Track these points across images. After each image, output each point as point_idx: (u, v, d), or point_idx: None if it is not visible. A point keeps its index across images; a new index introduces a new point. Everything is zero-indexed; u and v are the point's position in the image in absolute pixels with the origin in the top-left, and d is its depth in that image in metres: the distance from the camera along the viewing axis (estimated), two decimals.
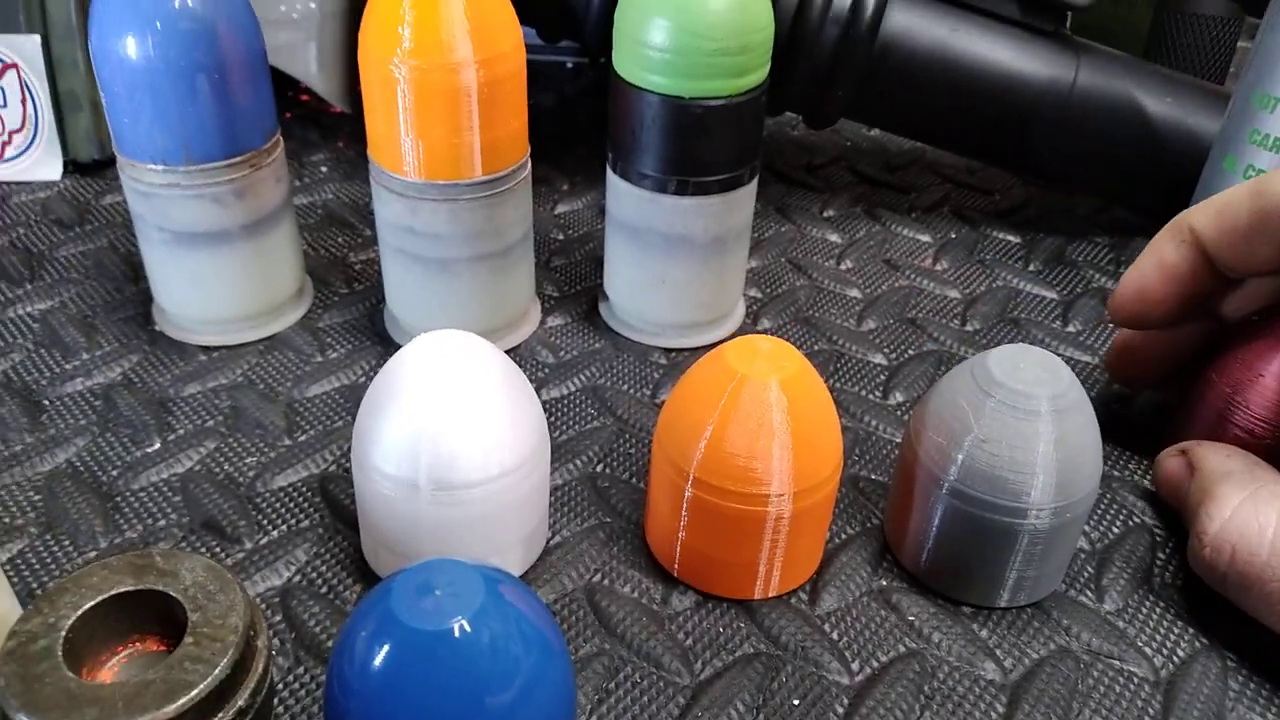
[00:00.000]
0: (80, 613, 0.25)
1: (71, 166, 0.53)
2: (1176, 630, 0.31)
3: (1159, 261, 0.34)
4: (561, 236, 0.50)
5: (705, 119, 0.37)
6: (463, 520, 0.30)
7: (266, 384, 0.40)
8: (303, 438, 0.37)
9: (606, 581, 0.32)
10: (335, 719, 0.23)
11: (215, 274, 0.40)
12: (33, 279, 0.45)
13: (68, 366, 0.40)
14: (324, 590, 0.32)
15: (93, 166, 0.54)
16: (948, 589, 0.32)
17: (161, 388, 0.39)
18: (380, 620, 0.23)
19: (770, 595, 0.32)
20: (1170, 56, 0.61)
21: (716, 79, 0.37)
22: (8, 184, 0.52)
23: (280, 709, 0.28)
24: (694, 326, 0.42)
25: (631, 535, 0.34)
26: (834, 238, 0.50)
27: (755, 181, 0.40)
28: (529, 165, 0.39)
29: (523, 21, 0.37)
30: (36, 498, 0.35)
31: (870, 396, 0.40)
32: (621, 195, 0.40)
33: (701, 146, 0.38)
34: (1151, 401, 0.41)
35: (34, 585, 0.31)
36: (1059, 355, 0.37)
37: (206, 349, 0.41)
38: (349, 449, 0.36)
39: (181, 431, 0.37)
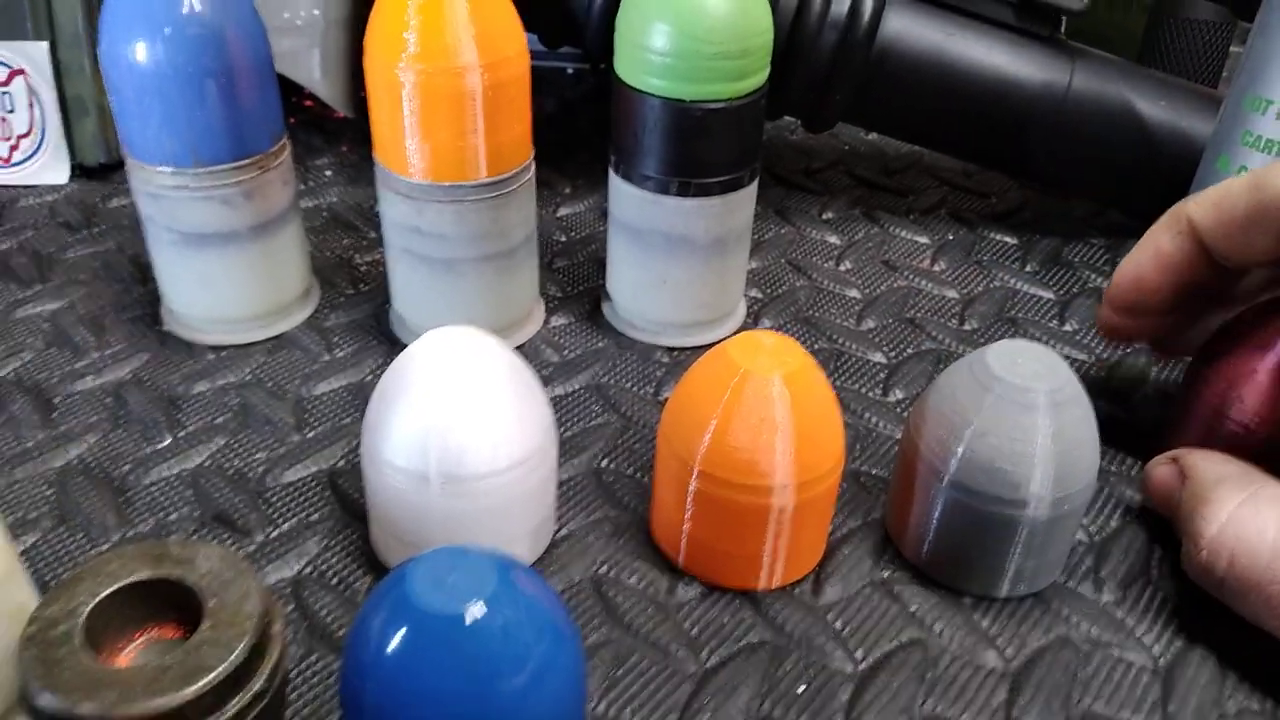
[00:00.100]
0: (98, 600, 0.25)
1: (78, 171, 0.54)
2: (1175, 620, 0.32)
3: (1155, 251, 0.35)
4: (564, 239, 0.50)
5: (706, 121, 0.38)
6: (472, 512, 0.30)
7: (275, 382, 0.40)
8: (311, 434, 0.38)
9: (613, 573, 0.33)
10: (350, 703, 0.24)
11: (224, 274, 0.40)
12: (42, 280, 0.46)
13: (77, 365, 0.41)
14: (335, 581, 0.32)
15: (99, 171, 0.54)
16: (949, 579, 0.33)
17: (171, 386, 0.40)
18: (395, 605, 0.23)
19: (774, 586, 0.32)
20: (1164, 61, 0.61)
21: (717, 82, 0.37)
22: (15, 188, 0.53)
23: (294, 696, 0.29)
24: (696, 326, 0.43)
25: (636, 529, 0.34)
26: (833, 239, 0.51)
27: (756, 183, 0.41)
28: (533, 168, 0.40)
29: (525, 28, 0.38)
30: (49, 492, 0.35)
31: (870, 394, 0.41)
32: (624, 197, 0.40)
33: (702, 148, 0.38)
34: (1147, 399, 0.41)
35: (48, 577, 0.32)
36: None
37: (215, 348, 0.42)
38: (358, 444, 0.37)
39: (191, 428, 0.38)
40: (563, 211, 0.53)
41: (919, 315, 0.46)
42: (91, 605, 0.25)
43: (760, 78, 0.39)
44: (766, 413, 0.30)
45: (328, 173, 0.56)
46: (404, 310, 0.42)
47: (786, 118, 0.61)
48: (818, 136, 0.61)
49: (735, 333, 0.43)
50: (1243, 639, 0.31)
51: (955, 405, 0.31)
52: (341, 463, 0.37)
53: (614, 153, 0.40)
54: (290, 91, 0.61)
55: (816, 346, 0.43)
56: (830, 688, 0.30)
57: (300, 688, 0.29)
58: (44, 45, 0.51)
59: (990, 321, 0.45)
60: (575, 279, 0.47)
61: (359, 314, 0.44)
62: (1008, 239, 0.52)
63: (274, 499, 0.35)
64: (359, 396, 0.40)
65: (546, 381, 0.41)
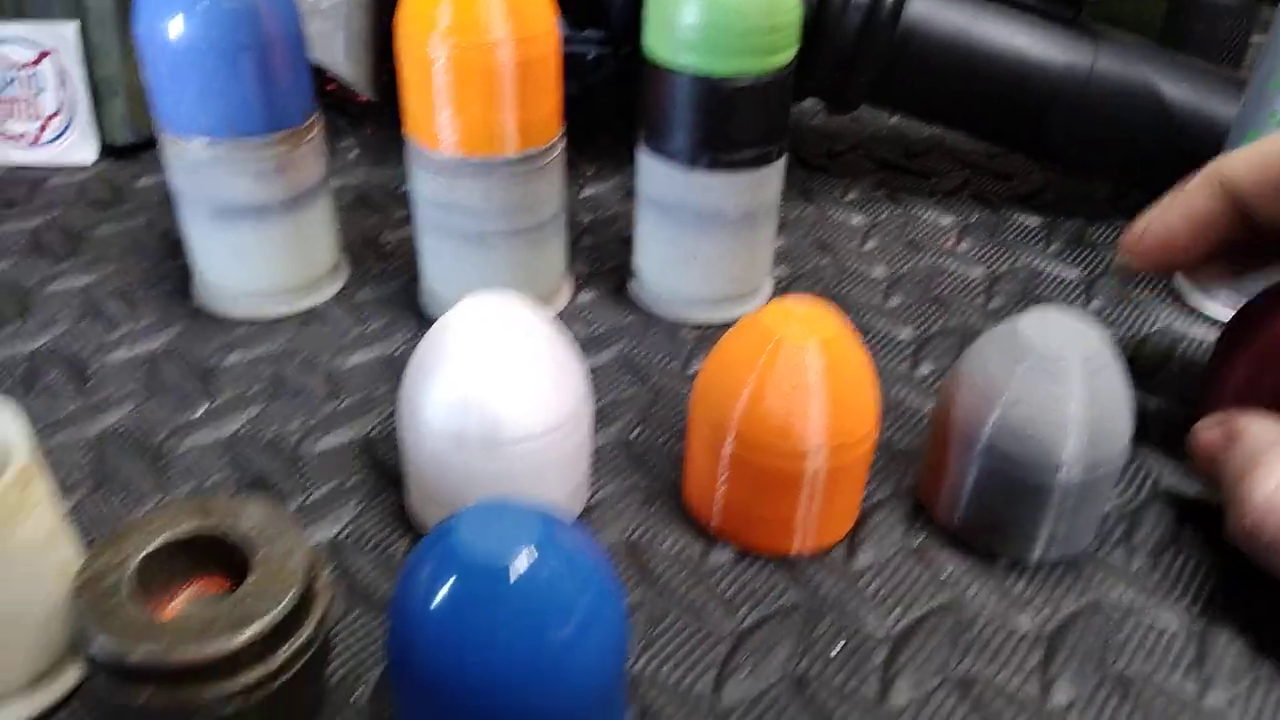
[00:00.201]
0: (145, 553, 0.25)
1: (107, 150, 0.54)
2: (1208, 586, 0.32)
3: (1187, 211, 0.34)
4: (589, 218, 0.51)
5: (736, 97, 0.38)
6: (509, 475, 0.30)
7: (306, 354, 0.41)
8: (344, 404, 0.38)
9: (646, 538, 0.33)
10: (397, 654, 0.24)
11: (256, 247, 0.41)
12: (73, 255, 0.46)
13: (110, 337, 0.41)
14: (372, 544, 0.32)
15: (127, 150, 0.54)
16: (982, 545, 0.33)
17: (203, 357, 0.40)
18: (442, 556, 0.23)
19: (807, 551, 0.33)
20: (1183, 48, 0.62)
21: (746, 58, 0.38)
22: (44, 167, 0.53)
23: (335, 654, 0.29)
24: (723, 301, 0.43)
25: (668, 496, 0.35)
26: (857, 220, 0.51)
27: (784, 159, 0.41)
28: (563, 144, 0.40)
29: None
30: (86, 458, 0.35)
31: (898, 369, 0.41)
32: (653, 173, 0.41)
33: (732, 123, 0.39)
34: (1172, 375, 0.41)
35: (87, 539, 0.32)
36: None
37: (246, 322, 0.42)
38: (391, 414, 0.37)
39: (225, 398, 0.38)
40: (587, 192, 0.53)
41: (945, 293, 0.46)
42: (140, 557, 0.25)
43: (789, 54, 0.39)
44: (800, 378, 0.30)
45: (352, 154, 0.56)
46: (434, 285, 0.42)
47: (809, 101, 0.61)
48: (839, 121, 0.61)
49: None
50: (1276, 603, 0.31)
51: (988, 373, 0.31)
52: (375, 431, 0.37)
53: (644, 129, 0.41)
54: (314, 75, 0.62)
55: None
56: (865, 649, 0.30)
57: (341, 646, 0.29)
58: (73, 25, 0.52)
59: (1016, 300, 0.46)
60: (601, 257, 0.48)
61: (388, 290, 0.45)
62: (1031, 220, 0.52)
63: (309, 466, 0.35)
64: (390, 369, 0.40)
65: None
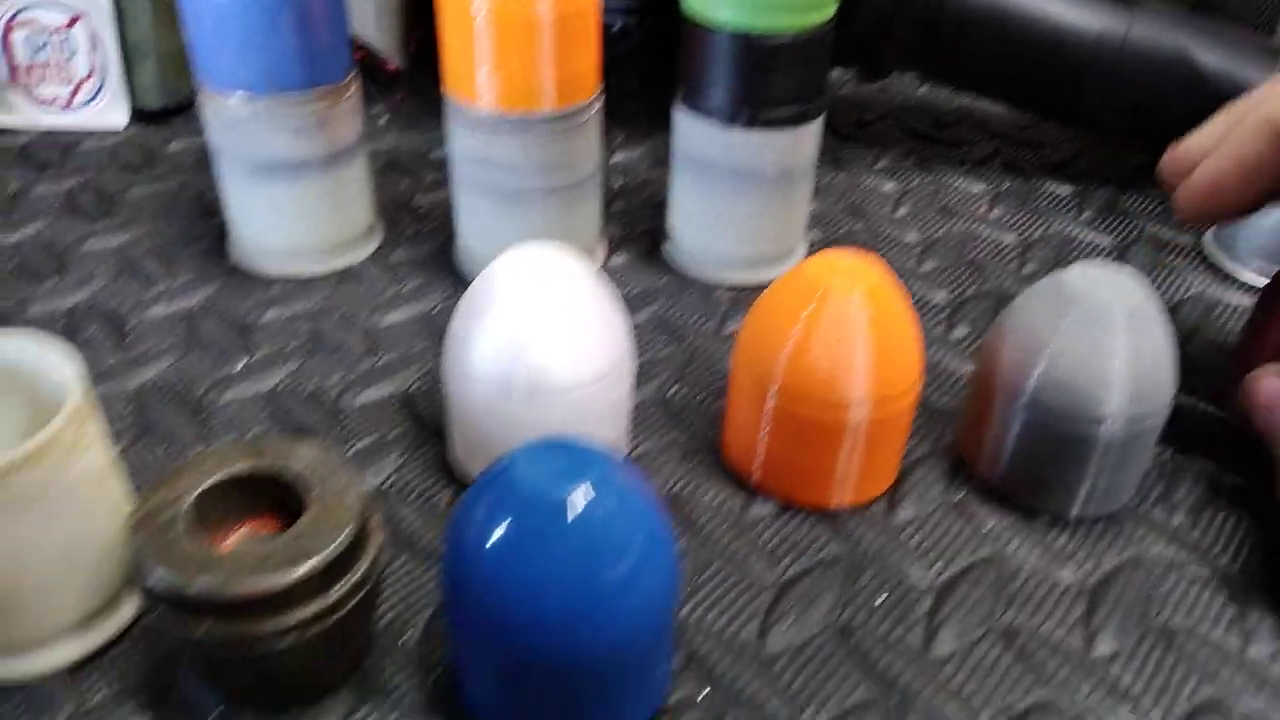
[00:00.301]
0: (202, 489, 0.26)
1: (137, 115, 0.54)
2: (1249, 542, 0.32)
3: (1239, 158, 0.33)
4: (619, 184, 0.51)
5: (775, 53, 0.38)
6: (553, 424, 0.31)
7: (344, 312, 0.41)
8: (382, 360, 0.38)
9: (687, 491, 0.33)
10: (452, 590, 0.24)
11: (294, 204, 0.41)
12: (107, 216, 0.47)
13: (148, 294, 0.41)
14: (415, 494, 0.33)
15: (158, 115, 0.55)
16: (1024, 500, 0.33)
17: (241, 314, 0.40)
18: (501, 490, 0.23)
19: (846, 504, 0.33)
20: (1218, 14, 0.61)
21: (787, 13, 0.37)
22: (76, 131, 0.53)
23: (382, 601, 0.29)
24: (758, 263, 0.43)
25: (707, 452, 0.35)
26: (888, 187, 0.51)
27: (822, 118, 0.41)
28: (600, 103, 0.40)
29: None
30: (128, 409, 0.36)
31: (934, 331, 0.41)
32: (691, 131, 0.41)
33: (771, 80, 0.38)
34: (1208, 341, 0.41)
35: (134, 487, 0.32)
36: None
37: (282, 280, 0.42)
38: (430, 370, 0.37)
39: (264, 353, 0.38)
40: (616, 158, 0.53)
41: (978, 258, 0.46)
42: (197, 493, 0.25)
43: (828, 11, 0.39)
44: (845, 329, 0.30)
45: (382, 120, 0.56)
46: (469, 244, 0.42)
47: (836, 71, 0.61)
48: (868, 91, 0.61)
49: None
50: None
51: (1034, 326, 0.31)
52: (415, 387, 0.37)
53: (682, 87, 0.40)
54: None
55: None
56: (909, 599, 0.30)
57: (388, 592, 0.29)
58: None
59: (1049, 265, 0.45)
60: (633, 222, 0.48)
61: (423, 251, 0.45)
62: (1063, 188, 0.51)
63: (350, 418, 0.35)
64: (427, 327, 0.40)
65: None
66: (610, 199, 0.49)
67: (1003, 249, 0.47)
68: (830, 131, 0.56)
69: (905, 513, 0.33)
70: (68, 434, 0.25)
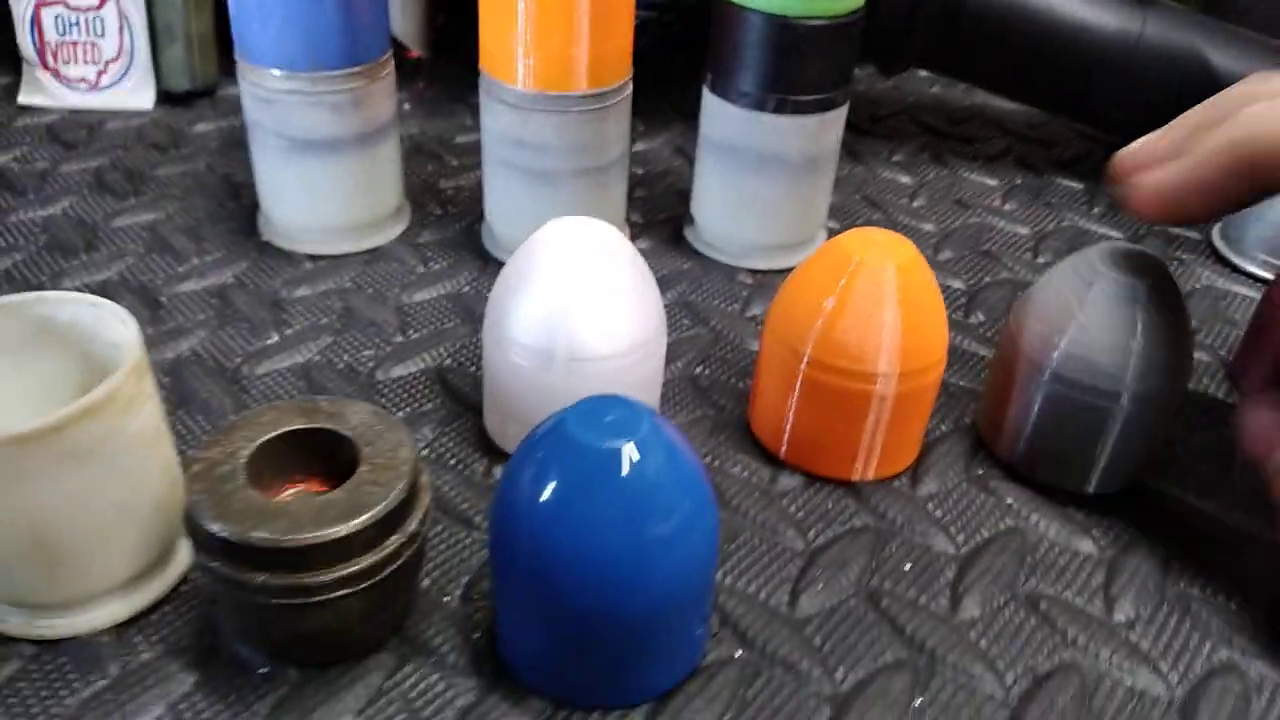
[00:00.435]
0: (259, 443, 0.26)
1: (162, 97, 0.55)
2: (1259, 517, 0.33)
3: (1200, 180, 0.30)
4: (641, 171, 0.51)
5: (808, 38, 0.39)
6: (590, 393, 0.31)
7: (375, 289, 0.41)
8: (415, 336, 0.39)
9: (716, 463, 0.34)
10: (501, 540, 0.25)
11: (327, 182, 0.42)
12: (136, 194, 0.47)
13: (180, 269, 0.42)
14: (453, 463, 0.33)
15: (184, 97, 0.55)
16: (1042, 475, 0.34)
17: (273, 290, 0.41)
18: (555, 443, 0.24)
19: (871, 478, 0.33)
20: (1229, 17, 0.62)
21: None
22: (102, 111, 0.54)
23: (425, 563, 0.30)
24: (780, 249, 0.44)
25: (735, 427, 0.36)
26: (905, 179, 0.52)
27: (847, 106, 0.42)
28: (630, 87, 0.41)
29: None
30: (165, 379, 0.36)
31: (953, 316, 0.42)
32: (719, 115, 0.41)
33: (801, 66, 0.39)
34: (1222, 325, 0.42)
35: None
36: None
37: (312, 257, 0.43)
38: (462, 346, 0.38)
39: (297, 327, 0.39)
40: (637, 148, 0.54)
41: (993, 248, 0.47)
42: (255, 446, 0.26)
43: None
44: (876, 301, 0.31)
45: (405, 106, 0.57)
46: (498, 225, 0.43)
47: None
48: (882, 88, 0.62)
49: None
50: None
51: (1059, 300, 0.32)
52: (448, 361, 0.38)
53: (711, 72, 0.41)
54: None
55: None
56: (935, 566, 0.31)
57: (429, 555, 0.30)
58: None
59: (1063, 256, 0.46)
60: (655, 209, 0.48)
61: (450, 232, 0.45)
62: (1074, 184, 0.53)
63: (385, 390, 0.36)
64: (458, 304, 0.41)
65: None
66: (632, 186, 0.50)
67: (1017, 240, 0.48)
68: (847, 126, 0.57)
69: (928, 487, 0.34)
70: (127, 389, 0.26)
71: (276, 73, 0.39)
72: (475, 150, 0.52)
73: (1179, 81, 0.50)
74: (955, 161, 0.54)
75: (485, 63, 0.40)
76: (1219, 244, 0.48)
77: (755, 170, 0.41)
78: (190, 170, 0.49)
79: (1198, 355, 0.40)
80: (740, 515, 0.32)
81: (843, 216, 0.48)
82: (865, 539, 0.32)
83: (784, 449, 0.34)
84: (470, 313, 0.40)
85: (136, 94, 0.55)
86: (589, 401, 0.25)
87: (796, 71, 0.39)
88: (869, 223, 0.48)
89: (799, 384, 0.32)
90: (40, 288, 0.40)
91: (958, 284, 0.44)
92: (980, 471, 0.34)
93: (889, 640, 0.29)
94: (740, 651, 0.28)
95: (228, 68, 0.56)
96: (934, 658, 0.28)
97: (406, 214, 0.46)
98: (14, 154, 0.50)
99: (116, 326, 0.28)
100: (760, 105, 0.40)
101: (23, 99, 0.54)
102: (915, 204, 0.50)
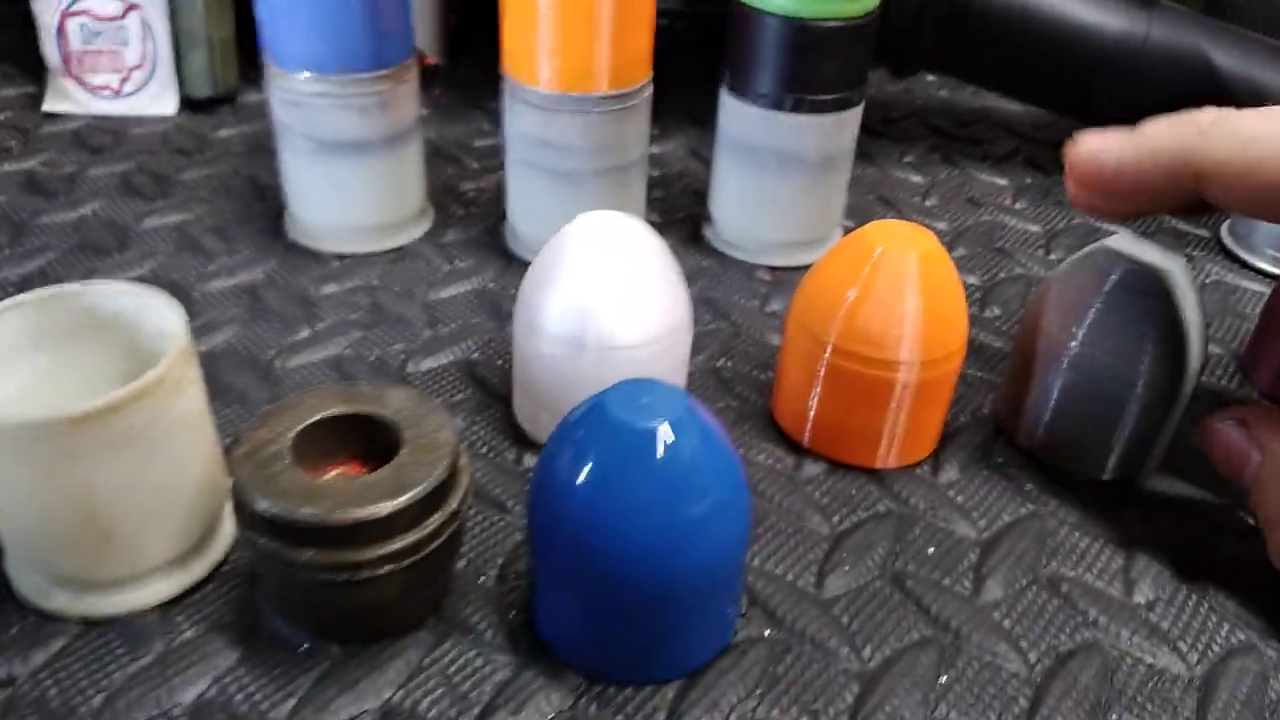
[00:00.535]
0: (303, 425, 0.27)
1: (184, 104, 0.56)
2: None
3: (1154, 197, 0.30)
4: (657, 173, 0.52)
5: (825, 39, 0.40)
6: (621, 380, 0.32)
7: (402, 286, 0.42)
8: (444, 330, 0.40)
9: (741, 452, 0.35)
10: (540, 519, 0.26)
11: (354, 183, 0.42)
12: (163, 196, 0.48)
13: (209, 268, 0.43)
14: (485, 450, 0.34)
15: (205, 103, 0.56)
16: (1060, 463, 0.34)
17: (302, 287, 0.42)
18: (594, 423, 0.25)
19: (893, 466, 0.34)
20: (1231, 18, 0.63)
21: (836, 1, 0.39)
22: (125, 118, 0.55)
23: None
24: (796, 246, 0.45)
25: (758, 417, 0.36)
26: (916, 179, 0.53)
27: (862, 105, 0.43)
28: (651, 88, 0.42)
29: None
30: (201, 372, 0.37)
31: (970, 309, 0.43)
32: (737, 114, 0.42)
33: (818, 66, 0.40)
34: (1232, 320, 0.43)
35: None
36: None
37: (340, 256, 0.44)
38: (490, 339, 0.39)
39: (328, 322, 0.40)
40: (654, 150, 0.55)
41: (1006, 246, 0.48)
42: (299, 428, 0.27)
43: (873, 1, 0.41)
44: (899, 289, 0.32)
45: (424, 111, 0.57)
46: (520, 224, 0.44)
47: None
48: (892, 91, 0.63)
49: None
50: None
51: (1078, 289, 0.33)
52: (476, 354, 0.39)
53: (729, 72, 0.42)
54: None
55: None
56: (958, 550, 0.31)
57: (465, 537, 0.31)
58: None
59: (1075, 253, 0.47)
60: (672, 208, 0.49)
61: (473, 232, 0.46)
62: None
63: (416, 382, 0.37)
64: (484, 300, 0.42)
65: None
66: (649, 187, 0.51)
67: (1029, 238, 0.48)
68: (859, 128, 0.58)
69: (949, 474, 0.34)
70: (174, 373, 0.27)
71: (305, 76, 0.40)
72: (494, 154, 0.53)
73: (1184, 83, 0.51)
74: (965, 162, 0.55)
75: (508, 65, 0.40)
76: (1228, 241, 0.49)
77: (773, 169, 0.42)
78: (216, 174, 0.50)
79: (1211, 349, 0.41)
80: (766, 500, 0.33)
81: (857, 216, 0.49)
82: (889, 524, 0.32)
83: (808, 437, 0.35)
84: (496, 308, 0.41)
85: (159, 101, 0.55)
86: (626, 384, 0.25)
87: (813, 71, 0.40)
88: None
89: (823, 372, 0.33)
90: None
91: (972, 279, 0.45)
92: (1000, 459, 0.35)
93: (914, 620, 0.29)
94: (769, 630, 0.29)
95: (249, 74, 0.57)
96: (959, 636, 0.29)
97: (430, 215, 0.47)
98: (42, 159, 0.51)
99: (162, 314, 0.28)
100: (778, 104, 0.41)
101: (48, 106, 0.55)
102: (928, 203, 0.51)
